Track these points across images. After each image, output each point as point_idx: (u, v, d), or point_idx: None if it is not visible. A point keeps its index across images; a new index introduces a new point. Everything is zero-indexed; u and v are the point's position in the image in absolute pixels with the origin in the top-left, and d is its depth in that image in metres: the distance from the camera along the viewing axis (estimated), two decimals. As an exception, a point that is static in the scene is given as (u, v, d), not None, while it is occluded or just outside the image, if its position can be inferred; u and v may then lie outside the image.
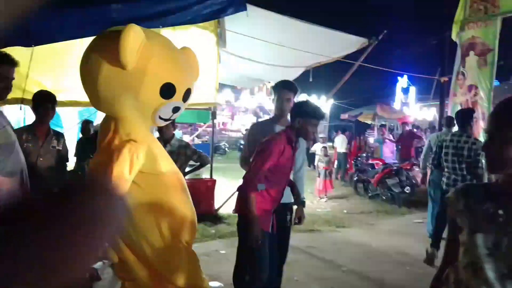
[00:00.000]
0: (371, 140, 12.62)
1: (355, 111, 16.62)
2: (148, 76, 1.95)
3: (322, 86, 13.20)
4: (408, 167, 7.98)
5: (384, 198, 7.55)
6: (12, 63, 2.29)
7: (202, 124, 13.64)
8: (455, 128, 4.95)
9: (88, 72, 2.01)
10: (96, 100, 2.08)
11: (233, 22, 5.30)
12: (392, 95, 26.05)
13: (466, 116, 4.55)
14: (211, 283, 2.97)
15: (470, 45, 7.79)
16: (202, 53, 3.33)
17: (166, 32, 3.97)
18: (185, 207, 2.14)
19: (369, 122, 16.07)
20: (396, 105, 24.04)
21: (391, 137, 11.27)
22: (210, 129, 8.09)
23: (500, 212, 1.21)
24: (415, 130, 19.92)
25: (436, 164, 4.57)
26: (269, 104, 22.20)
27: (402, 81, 24.83)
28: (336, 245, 4.89)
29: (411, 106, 22.68)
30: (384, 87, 32.32)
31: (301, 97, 15.10)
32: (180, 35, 4.65)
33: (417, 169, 9.18)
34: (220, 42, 5.69)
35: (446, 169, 4.33)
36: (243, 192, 2.56)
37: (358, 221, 6.20)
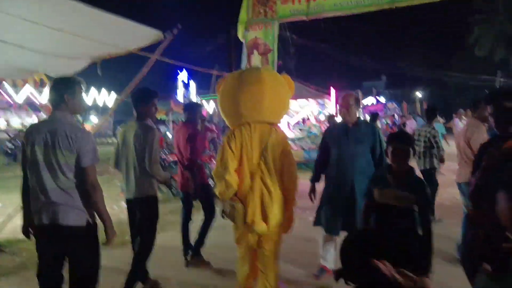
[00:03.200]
0: (169, 135, 12.40)
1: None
2: None
3: (114, 81, 12.12)
4: (208, 160, 8.11)
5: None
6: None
7: None
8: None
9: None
10: None
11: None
12: (171, 89, 26.62)
13: None
14: None
15: (254, 45, 8.45)
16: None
17: None
18: None
19: (164, 117, 15.79)
20: (179, 98, 24.68)
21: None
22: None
23: None
24: (207, 123, 20.98)
25: None
26: (42, 98, 18.96)
27: (183, 75, 25.70)
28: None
29: (192, 99, 23.71)
30: (162, 80, 32.70)
31: (91, 92, 13.51)
32: None
33: (215, 161, 9.50)
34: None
35: None
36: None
37: (171, 223, 5.86)
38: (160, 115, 15.48)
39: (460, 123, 11.96)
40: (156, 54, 6.89)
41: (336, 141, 4.06)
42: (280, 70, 12.29)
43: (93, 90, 12.28)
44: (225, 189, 2.93)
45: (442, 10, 44.34)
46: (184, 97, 24.81)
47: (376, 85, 40.67)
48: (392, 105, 26.40)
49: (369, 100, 25.73)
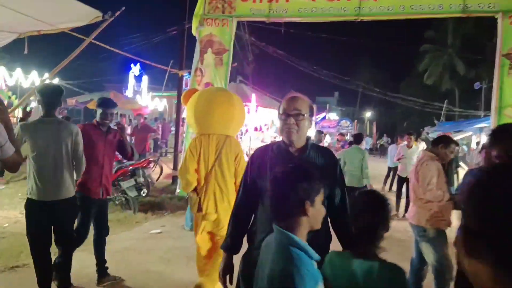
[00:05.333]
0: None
1: (85, 96, 14.55)
2: None
3: (43, 62, 10.85)
4: (145, 165, 7.25)
5: (118, 203, 6.54)
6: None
7: None
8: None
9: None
10: None
11: None
12: (124, 82, 25.13)
13: None
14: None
15: (208, 42, 7.74)
16: None
17: None
18: None
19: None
20: (129, 92, 23.27)
21: (129, 129, 10.32)
22: None
23: None
24: (154, 121, 19.79)
25: None
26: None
27: (135, 69, 24.35)
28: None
29: (143, 95, 22.42)
30: (116, 72, 31.02)
31: (17, 72, 11.91)
32: None
33: (151, 166, 8.60)
34: None
35: None
36: None
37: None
38: (94, 107, 14.12)
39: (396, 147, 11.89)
40: (91, 37, 5.99)
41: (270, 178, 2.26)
42: (235, 73, 11.74)
43: (17, 70, 10.52)
44: (185, 185, 3.54)
45: (398, 34, 46.42)
46: (135, 92, 23.46)
47: (328, 100, 41.24)
48: (346, 123, 25.96)
49: (319, 116, 25.38)
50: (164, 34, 12.22)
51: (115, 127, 4.09)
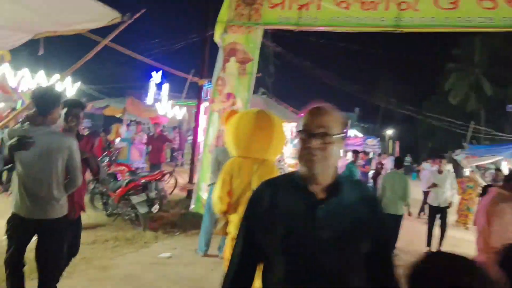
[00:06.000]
0: (118, 140, 10.81)
1: (101, 102, 14.23)
2: None
3: (59, 65, 10.61)
4: (159, 177, 6.75)
5: (127, 218, 6.07)
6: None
7: None
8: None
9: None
10: None
11: None
12: (145, 89, 25.02)
13: None
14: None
15: (232, 50, 7.27)
16: None
17: None
18: None
19: (118, 115, 14.09)
20: (149, 100, 23.08)
21: (145, 138, 9.89)
22: None
23: None
24: (172, 130, 19.42)
25: None
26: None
27: (156, 76, 24.21)
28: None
29: (163, 103, 22.18)
30: (138, 79, 31.06)
31: (23, 72, 11.60)
32: None
33: (166, 178, 8.15)
34: None
35: None
36: None
37: (87, 261, 4.44)
38: (112, 113, 13.68)
39: (431, 168, 11.18)
40: (108, 38, 5.58)
41: (285, 229, 1.44)
42: (257, 84, 11.26)
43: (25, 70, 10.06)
44: (217, 207, 3.46)
45: (423, 51, 45.48)
46: (155, 99, 23.29)
47: (350, 116, 40.24)
48: (372, 142, 23.96)
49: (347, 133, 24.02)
50: (185, 41, 11.85)
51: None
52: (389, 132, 39.58)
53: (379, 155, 18.82)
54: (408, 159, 26.38)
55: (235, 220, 3.35)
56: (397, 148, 26.68)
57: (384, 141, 33.58)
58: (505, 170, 15.47)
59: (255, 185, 3.27)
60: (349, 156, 16.10)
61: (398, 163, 6.45)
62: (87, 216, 6.30)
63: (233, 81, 7.20)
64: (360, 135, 26.71)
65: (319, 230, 1.30)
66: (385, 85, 43.26)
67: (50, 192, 2.72)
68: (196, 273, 4.50)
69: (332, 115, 1.39)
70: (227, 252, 3.50)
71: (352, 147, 21.22)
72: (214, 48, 7.84)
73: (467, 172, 15.19)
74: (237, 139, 3.49)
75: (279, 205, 1.36)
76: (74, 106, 3.19)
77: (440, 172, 7.41)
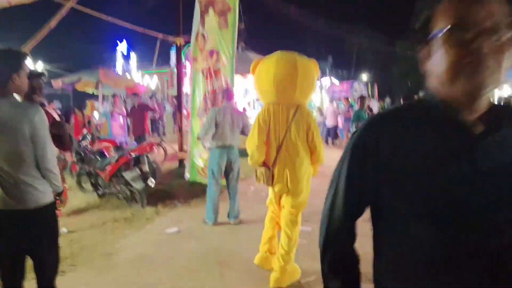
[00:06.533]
0: (96, 115, 10.08)
1: (72, 76, 13.18)
2: None
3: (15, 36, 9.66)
4: (148, 150, 6.26)
5: (122, 197, 5.64)
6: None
7: None
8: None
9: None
10: None
11: None
12: (112, 61, 23.69)
13: None
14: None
15: (209, 1, 6.64)
16: None
17: None
18: None
19: (90, 91, 13.19)
20: (118, 71, 21.90)
21: (123, 110, 9.24)
22: None
23: None
24: (149, 99, 18.53)
25: None
26: None
27: (122, 46, 22.88)
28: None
29: (133, 73, 21.07)
30: (102, 52, 29.39)
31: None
32: None
33: (155, 149, 7.65)
34: None
35: None
36: None
37: (88, 248, 4.04)
38: (85, 88, 12.72)
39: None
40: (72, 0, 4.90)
41: (429, 172, 0.92)
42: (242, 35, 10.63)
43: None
44: (254, 158, 3.35)
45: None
46: (124, 70, 22.11)
47: (323, 65, 39.81)
48: (359, 86, 24.50)
49: (325, 81, 23.99)
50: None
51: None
52: (364, 77, 39.41)
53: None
54: (387, 101, 26.43)
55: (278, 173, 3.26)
56: (376, 92, 26.65)
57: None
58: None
59: (294, 132, 3.23)
60: (335, 104, 15.81)
61: None
62: (78, 199, 5.85)
63: (215, 36, 6.61)
64: (337, 82, 26.53)
65: (482, 179, 0.86)
66: (357, 29, 42.57)
67: (22, 176, 2.24)
68: (212, 244, 4.17)
69: (501, 4, 0.85)
70: (270, 206, 3.50)
71: (339, 94, 20.99)
72: (189, 4, 7.11)
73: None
74: (268, 85, 3.38)
75: (413, 147, 0.91)
76: (33, 77, 2.77)
77: None
